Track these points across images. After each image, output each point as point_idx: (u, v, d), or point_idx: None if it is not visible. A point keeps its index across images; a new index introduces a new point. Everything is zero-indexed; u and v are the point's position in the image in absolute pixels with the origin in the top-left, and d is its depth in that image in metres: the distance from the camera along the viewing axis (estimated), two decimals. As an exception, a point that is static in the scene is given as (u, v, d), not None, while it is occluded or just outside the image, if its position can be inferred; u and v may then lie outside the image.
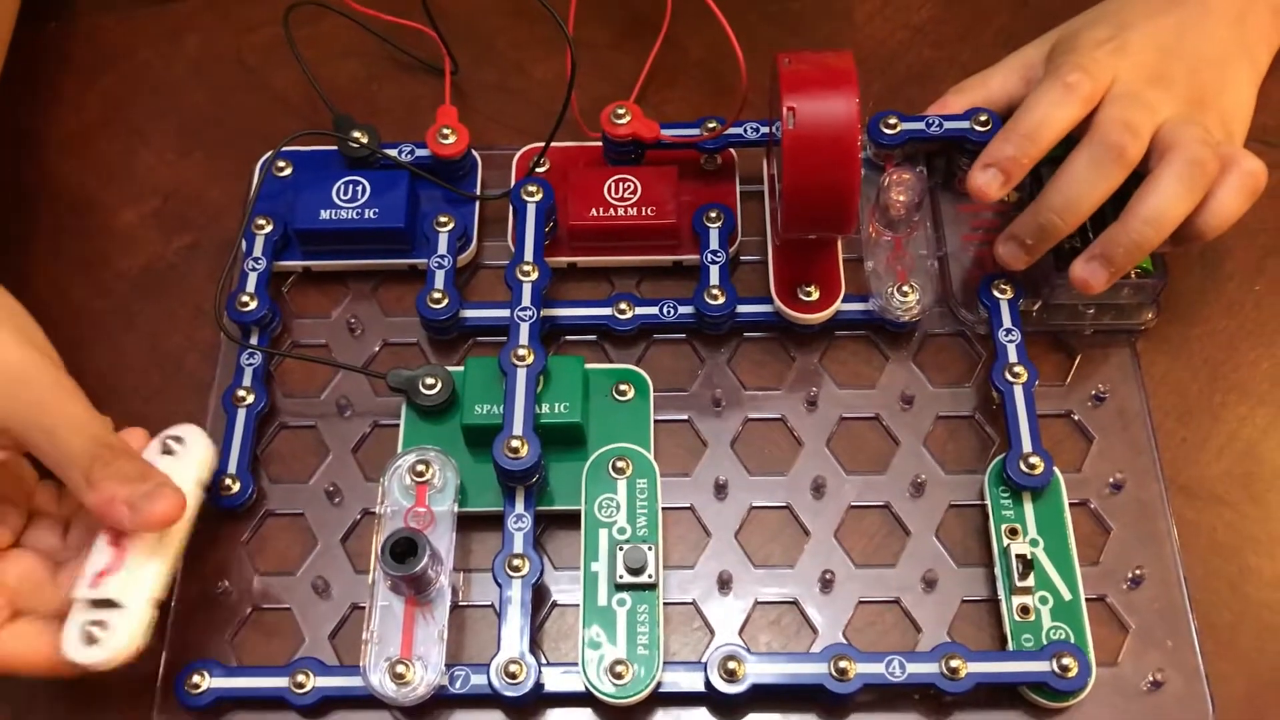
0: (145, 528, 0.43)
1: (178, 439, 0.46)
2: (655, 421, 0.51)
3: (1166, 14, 0.51)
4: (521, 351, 0.49)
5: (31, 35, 0.54)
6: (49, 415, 0.43)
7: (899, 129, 0.54)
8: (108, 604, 0.43)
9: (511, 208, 0.54)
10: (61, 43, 0.61)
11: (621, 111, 0.54)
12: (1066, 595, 0.46)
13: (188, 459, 0.46)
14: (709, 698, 0.46)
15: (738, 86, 0.50)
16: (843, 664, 0.44)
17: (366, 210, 0.53)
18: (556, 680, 0.46)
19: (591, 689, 0.44)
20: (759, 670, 0.45)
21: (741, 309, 0.52)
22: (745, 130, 0.55)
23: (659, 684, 0.45)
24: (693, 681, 0.45)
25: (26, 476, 0.46)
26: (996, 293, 0.52)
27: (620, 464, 0.48)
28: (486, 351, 0.53)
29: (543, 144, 0.55)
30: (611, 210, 0.53)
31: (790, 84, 0.46)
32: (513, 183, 0.56)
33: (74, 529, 0.46)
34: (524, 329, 0.50)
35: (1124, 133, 0.48)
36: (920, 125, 0.54)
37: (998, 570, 0.47)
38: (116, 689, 0.47)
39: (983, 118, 0.54)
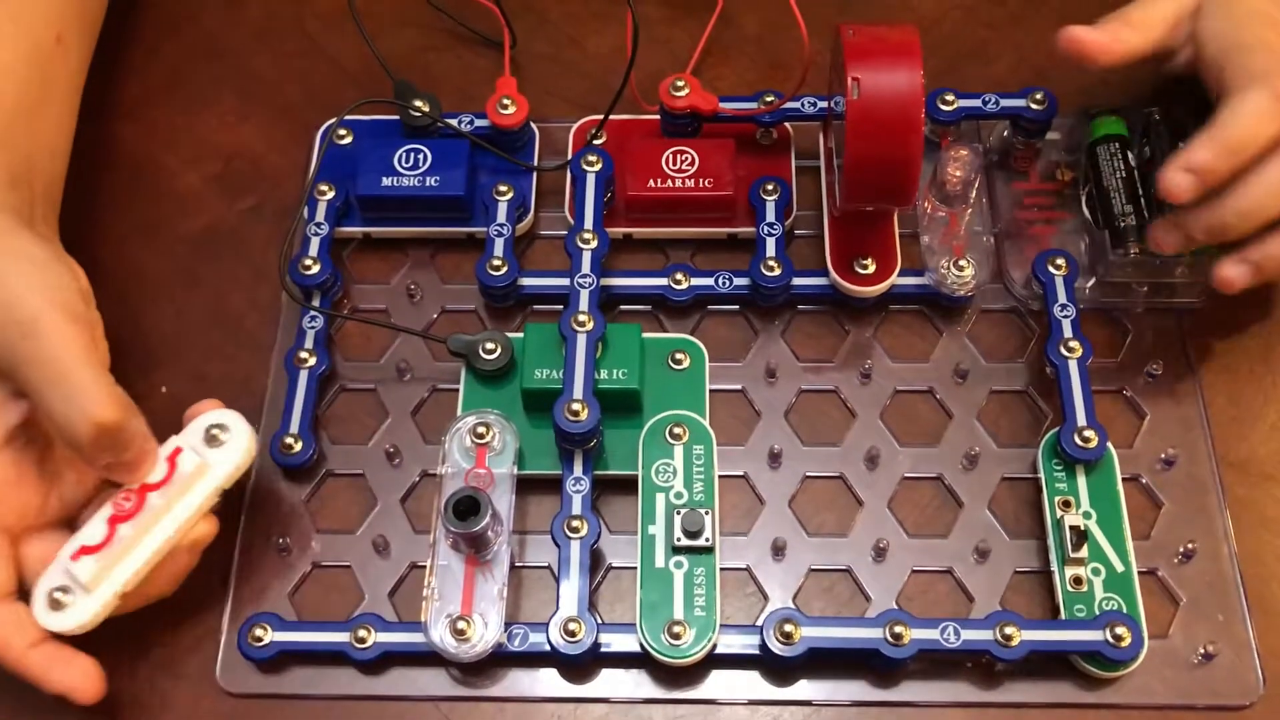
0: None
1: (222, 427, 0.45)
2: (710, 391, 0.51)
3: None
4: (582, 317, 0.49)
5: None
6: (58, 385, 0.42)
7: (955, 105, 0.54)
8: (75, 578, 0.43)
9: (570, 177, 0.55)
10: (126, 11, 0.62)
11: (681, 84, 0.55)
12: (1119, 567, 0.47)
13: (220, 458, 0.45)
14: (763, 660, 0.46)
15: (798, 58, 0.50)
16: (898, 629, 0.45)
17: (428, 178, 0.54)
18: (613, 640, 0.46)
19: (649, 648, 0.45)
20: (814, 634, 0.45)
21: (797, 281, 0.53)
22: (803, 105, 0.55)
23: (714, 645, 0.46)
24: (747, 644, 0.46)
25: None
26: (1052, 269, 0.52)
27: (677, 430, 0.49)
28: (543, 319, 0.53)
29: (600, 117, 0.55)
30: (669, 181, 0.54)
31: (855, 54, 0.47)
32: (570, 154, 0.56)
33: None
34: (584, 295, 0.50)
35: None
36: (977, 103, 0.54)
37: (1050, 542, 0.48)
38: (183, 636, 0.48)
39: (1039, 96, 0.54)
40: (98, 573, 0.43)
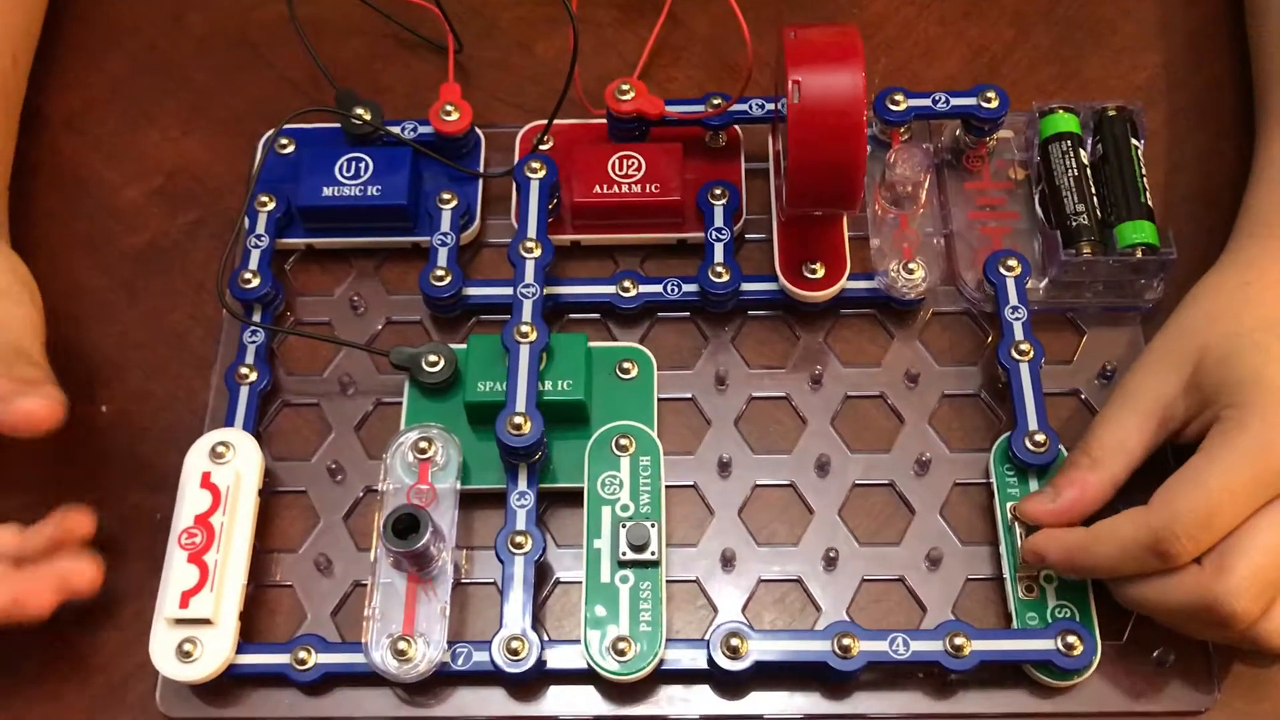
0: (9, 427, 0.43)
1: (226, 444, 0.48)
2: (659, 400, 0.51)
3: None
4: (524, 328, 0.49)
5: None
6: None
7: (905, 105, 0.53)
8: (195, 620, 0.45)
9: (515, 184, 0.54)
10: (67, 22, 0.61)
11: (626, 88, 0.54)
12: (1072, 573, 0.46)
13: (244, 466, 0.47)
14: (712, 675, 0.46)
15: (743, 62, 0.50)
16: (846, 641, 0.44)
17: (369, 187, 0.53)
18: (559, 657, 0.45)
19: (594, 666, 0.44)
20: (762, 647, 0.44)
21: (746, 287, 0.52)
22: (750, 107, 0.54)
23: (661, 661, 0.45)
24: (695, 659, 0.45)
25: None
26: (1003, 270, 0.51)
27: (624, 441, 0.48)
28: (489, 329, 0.53)
29: (546, 121, 0.54)
30: (615, 187, 0.53)
31: (795, 57, 0.46)
32: (517, 159, 0.55)
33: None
34: (527, 306, 0.49)
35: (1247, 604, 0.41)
36: (926, 102, 0.53)
37: (1003, 548, 0.47)
38: (123, 662, 0.47)
39: (989, 94, 0.53)
40: (215, 603, 0.45)
